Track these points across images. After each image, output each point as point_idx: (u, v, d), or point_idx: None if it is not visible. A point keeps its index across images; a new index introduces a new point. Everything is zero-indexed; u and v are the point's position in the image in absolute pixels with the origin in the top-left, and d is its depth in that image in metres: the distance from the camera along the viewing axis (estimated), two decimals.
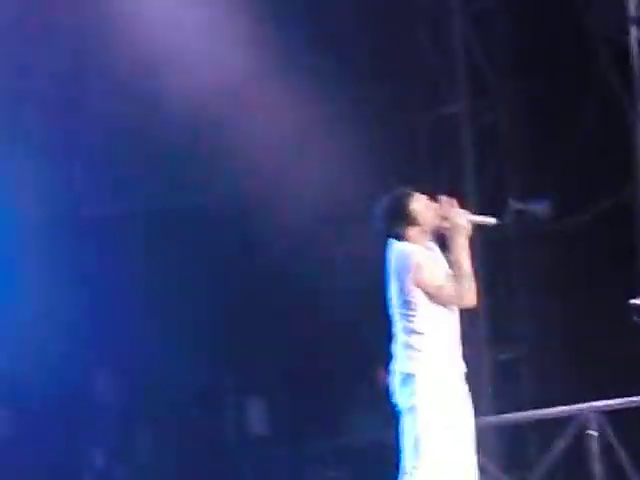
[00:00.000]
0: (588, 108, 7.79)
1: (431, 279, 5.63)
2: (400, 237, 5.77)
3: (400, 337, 5.79)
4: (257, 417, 8.37)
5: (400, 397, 5.73)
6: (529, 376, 8.49)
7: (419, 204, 5.70)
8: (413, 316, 5.73)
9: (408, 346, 5.74)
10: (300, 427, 7.97)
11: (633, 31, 7.56)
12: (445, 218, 5.66)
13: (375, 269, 5.91)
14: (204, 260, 8.16)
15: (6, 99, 7.65)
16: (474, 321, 8.47)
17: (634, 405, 7.14)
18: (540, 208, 8.39)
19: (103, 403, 8.18)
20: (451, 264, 5.85)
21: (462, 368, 5.80)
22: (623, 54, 7.62)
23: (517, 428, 8.26)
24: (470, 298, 5.59)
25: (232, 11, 7.80)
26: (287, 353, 7.84)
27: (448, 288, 5.60)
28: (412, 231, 5.70)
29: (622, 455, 7.08)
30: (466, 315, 8.14)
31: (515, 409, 8.09)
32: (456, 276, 5.58)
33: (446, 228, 5.67)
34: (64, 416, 7.84)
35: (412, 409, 5.72)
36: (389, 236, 5.80)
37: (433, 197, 5.77)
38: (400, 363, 5.76)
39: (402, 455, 5.76)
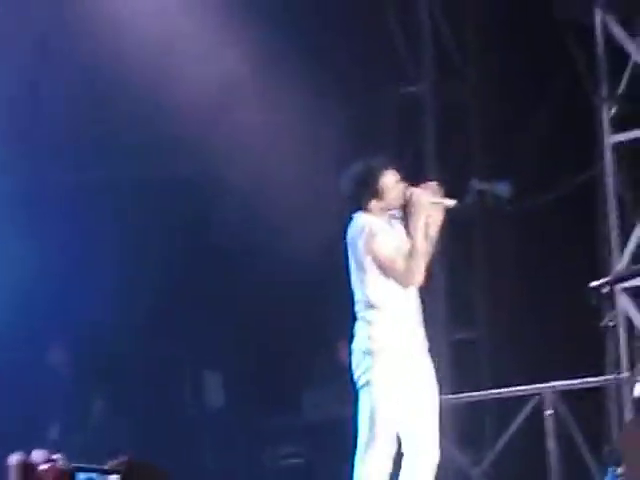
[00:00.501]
0: (553, 90, 7.81)
1: (381, 248, 5.69)
2: (362, 207, 5.84)
3: (358, 312, 5.86)
4: (214, 390, 8.36)
5: (357, 372, 5.81)
6: (487, 356, 8.51)
7: (389, 180, 5.77)
8: (367, 287, 5.80)
9: (365, 321, 5.81)
10: (257, 401, 7.98)
11: (598, 14, 7.52)
12: (408, 198, 5.74)
13: (334, 243, 5.98)
14: (164, 232, 8.12)
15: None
16: (433, 300, 8.59)
17: (589, 386, 7.25)
18: (502, 189, 8.48)
19: (60, 374, 8.16)
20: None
21: (421, 342, 5.87)
22: (589, 37, 7.56)
23: (474, 407, 8.26)
24: (417, 277, 5.61)
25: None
26: (246, 327, 7.81)
27: (397, 262, 5.66)
28: (375, 204, 5.76)
29: (576, 434, 7.17)
30: (425, 294, 8.24)
31: (473, 389, 8.10)
32: (408, 253, 5.66)
33: (407, 206, 5.74)
34: (20, 386, 7.79)
35: (367, 384, 5.80)
36: (352, 203, 5.86)
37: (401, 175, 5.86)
38: (357, 338, 5.84)
39: (359, 430, 5.85)
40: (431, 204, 5.69)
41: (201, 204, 8.34)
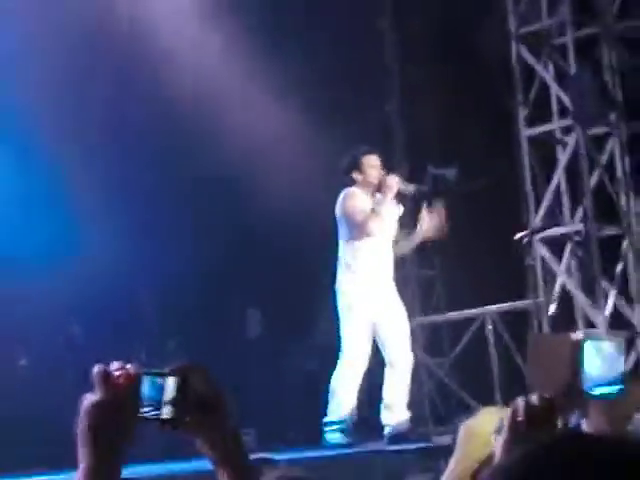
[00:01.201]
0: (481, 100, 7.78)
1: (351, 208, 5.88)
2: (349, 178, 6.00)
3: (339, 260, 6.04)
4: (253, 324, 8.33)
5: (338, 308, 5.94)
6: (444, 289, 8.58)
7: (371, 160, 5.97)
8: (346, 243, 5.98)
9: (343, 265, 6.00)
10: (284, 330, 7.80)
11: (513, 46, 7.62)
12: (382, 180, 5.94)
13: None
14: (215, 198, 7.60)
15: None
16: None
17: (518, 308, 7.43)
18: (450, 173, 8.54)
19: (145, 315, 8.00)
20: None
21: (387, 279, 5.95)
22: (507, 59, 7.61)
23: (437, 326, 8.41)
24: (372, 229, 5.79)
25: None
26: (277, 273, 7.53)
27: (360, 217, 5.84)
28: (358, 176, 5.95)
29: (510, 343, 7.25)
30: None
31: (435, 313, 8.33)
32: (372, 213, 5.85)
33: (381, 185, 5.93)
34: (114, 322, 7.52)
35: (341, 310, 5.94)
36: (344, 175, 6.01)
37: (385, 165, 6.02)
38: (337, 278, 5.97)
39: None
40: (397, 187, 5.93)
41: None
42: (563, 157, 7.47)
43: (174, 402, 1.49)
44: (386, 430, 5.86)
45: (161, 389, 1.51)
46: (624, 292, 7.23)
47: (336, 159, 6.25)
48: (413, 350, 8.17)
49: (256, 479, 1.56)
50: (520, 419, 1.69)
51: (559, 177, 7.48)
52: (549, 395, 1.77)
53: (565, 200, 7.50)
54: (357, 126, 8.16)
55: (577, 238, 7.34)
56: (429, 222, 5.89)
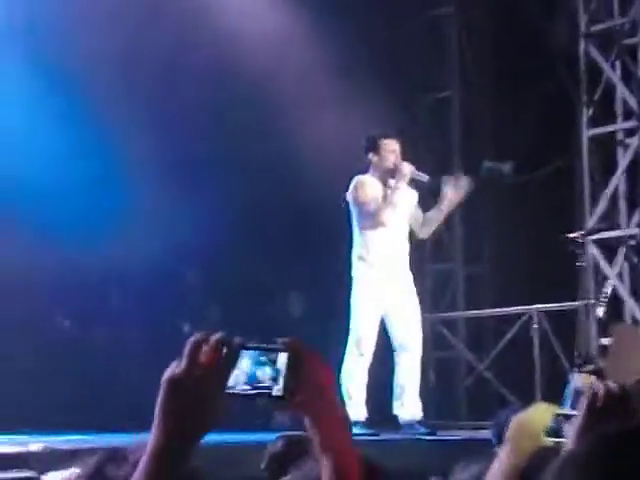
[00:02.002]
0: (546, 96, 7.67)
1: (362, 197, 5.75)
2: (366, 158, 5.88)
3: (354, 249, 5.94)
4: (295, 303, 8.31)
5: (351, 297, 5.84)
6: (491, 285, 8.45)
7: (388, 143, 5.83)
8: (355, 226, 5.88)
9: (356, 256, 5.89)
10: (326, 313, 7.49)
11: (582, 43, 7.51)
12: (397, 164, 5.81)
13: None
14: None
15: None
16: (452, 246, 8.59)
17: (566, 308, 7.28)
18: (506, 167, 8.46)
19: (191, 286, 8.06)
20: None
21: (401, 269, 5.83)
22: (573, 57, 7.52)
23: (482, 321, 8.29)
24: (384, 218, 5.67)
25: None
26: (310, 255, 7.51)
27: (372, 206, 5.71)
28: (374, 157, 5.83)
29: (555, 343, 7.13)
30: (447, 242, 8.23)
31: (480, 308, 8.17)
32: (384, 202, 5.72)
33: (394, 170, 5.79)
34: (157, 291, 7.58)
35: (353, 300, 5.85)
36: (365, 154, 5.89)
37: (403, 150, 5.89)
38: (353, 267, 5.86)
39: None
40: (411, 174, 5.79)
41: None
42: (624, 159, 7.34)
43: (286, 379, 1.38)
44: (400, 419, 5.80)
45: (265, 365, 1.40)
46: None
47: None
48: (455, 344, 8.11)
49: (361, 471, 1.45)
50: (599, 404, 1.67)
51: (618, 179, 7.34)
52: (629, 384, 1.74)
53: (622, 203, 7.36)
54: (411, 114, 8.11)
55: (632, 242, 7.21)
56: (453, 193, 5.75)
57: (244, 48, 7.07)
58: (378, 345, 5.89)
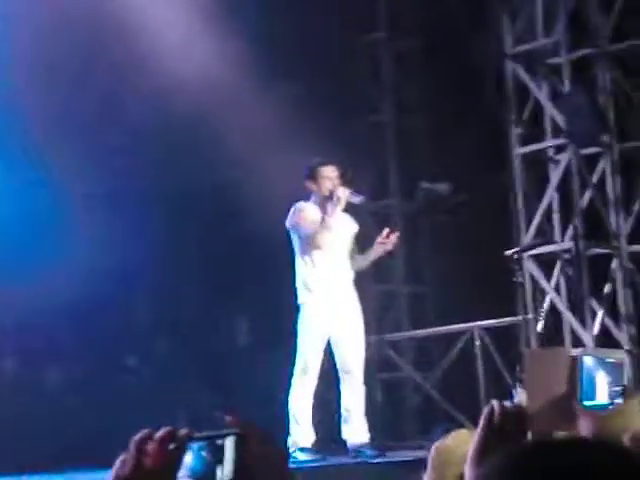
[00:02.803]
0: (476, 116, 7.76)
1: (301, 220, 5.86)
2: (306, 186, 5.98)
3: (297, 272, 6.02)
4: (242, 331, 8.37)
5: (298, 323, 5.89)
6: (433, 304, 8.54)
7: (324, 171, 5.95)
8: (296, 252, 5.97)
9: (300, 282, 5.96)
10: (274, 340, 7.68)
11: (508, 63, 7.67)
12: (333, 189, 5.90)
13: None
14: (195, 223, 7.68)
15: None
16: (394, 266, 8.65)
17: (505, 324, 7.37)
18: (442, 187, 8.55)
19: (137, 318, 8.03)
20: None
21: (345, 292, 5.91)
22: (502, 78, 7.66)
23: (425, 340, 8.35)
24: (320, 241, 5.77)
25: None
26: (267, 285, 7.58)
27: (309, 229, 5.82)
28: (312, 186, 5.94)
29: (497, 359, 7.23)
30: (388, 262, 8.29)
31: (423, 327, 8.23)
32: (320, 225, 5.82)
33: (331, 196, 5.90)
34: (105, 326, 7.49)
35: (299, 326, 5.90)
36: (305, 182, 5.98)
37: (343, 176, 5.99)
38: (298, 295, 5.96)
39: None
40: (346, 197, 5.90)
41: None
42: (555, 176, 7.49)
43: (235, 463, 1.36)
44: (348, 444, 5.84)
45: (206, 460, 1.37)
46: (612, 311, 7.23)
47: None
48: (401, 364, 8.17)
49: None
50: (495, 423, 1.68)
51: (550, 195, 7.50)
52: (544, 407, 1.78)
53: (556, 218, 7.51)
54: (346, 137, 8.17)
55: (567, 256, 7.35)
56: (385, 240, 5.87)
57: (176, 77, 7.08)
58: (326, 368, 5.92)
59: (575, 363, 2.29)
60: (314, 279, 5.82)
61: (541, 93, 7.57)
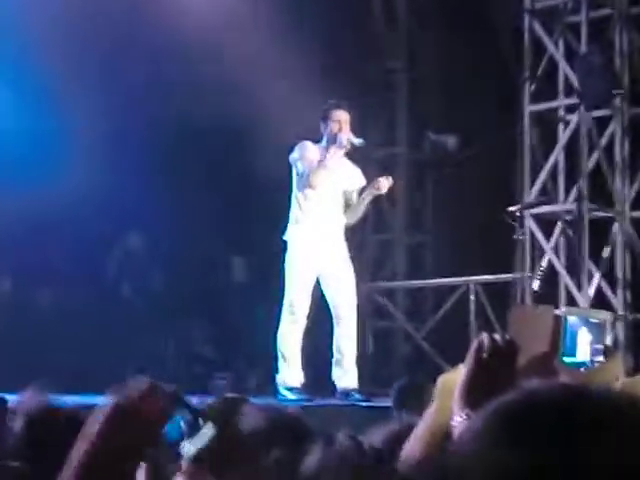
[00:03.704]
0: (491, 70, 7.71)
1: (298, 156, 5.88)
2: (320, 125, 5.98)
3: (291, 208, 6.02)
4: (239, 270, 8.38)
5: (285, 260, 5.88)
6: (431, 255, 8.55)
7: (335, 114, 5.94)
8: (293, 189, 5.98)
9: (292, 217, 5.98)
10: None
11: (526, 18, 7.56)
12: (337, 131, 5.89)
13: None
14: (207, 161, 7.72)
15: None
16: (395, 215, 8.65)
17: (502, 280, 7.36)
18: (450, 140, 8.53)
19: (137, 253, 8.03)
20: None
21: (335, 236, 5.91)
22: (517, 33, 7.57)
23: (420, 291, 8.39)
24: (315, 180, 5.78)
25: None
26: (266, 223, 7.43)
27: (306, 166, 5.83)
28: (322, 126, 5.96)
29: (491, 314, 7.20)
30: (390, 212, 8.30)
31: (421, 278, 8.26)
32: (318, 165, 5.83)
33: (335, 137, 5.88)
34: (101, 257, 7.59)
35: (287, 263, 5.87)
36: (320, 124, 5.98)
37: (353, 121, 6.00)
38: (287, 230, 5.95)
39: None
40: (347, 140, 5.89)
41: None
42: (564, 136, 7.44)
43: (201, 447, 1.39)
44: (337, 387, 5.87)
45: (182, 432, 1.40)
46: (609, 276, 7.22)
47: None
48: (394, 313, 8.20)
49: None
50: (484, 355, 1.66)
51: (557, 155, 7.45)
52: (525, 364, 1.76)
53: (561, 179, 7.47)
54: (358, 84, 8.11)
55: (568, 217, 7.32)
56: (379, 182, 5.85)
57: (191, 27, 7.03)
58: (315, 309, 5.92)
59: (559, 321, 2.31)
60: (304, 215, 5.84)
61: (557, 51, 7.48)
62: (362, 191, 6.04)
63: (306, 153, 5.85)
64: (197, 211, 7.64)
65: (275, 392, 5.87)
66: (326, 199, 5.85)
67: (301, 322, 5.77)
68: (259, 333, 6.95)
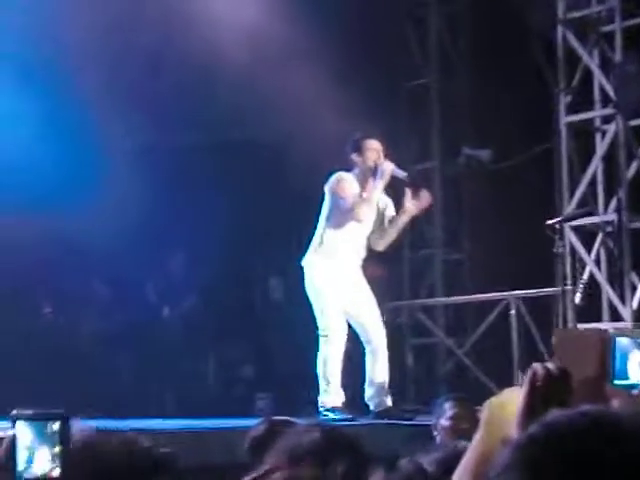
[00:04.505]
0: (524, 82, 7.67)
1: (340, 190, 5.83)
2: (349, 158, 5.95)
3: (314, 238, 5.98)
4: (276, 290, 8.33)
5: (306, 287, 5.88)
6: (470, 271, 8.49)
7: (369, 143, 5.91)
8: (326, 220, 5.94)
9: (316, 244, 5.95)
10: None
11: (559, 29, 7.54)
12: (378, 162, 5.87)
13: None
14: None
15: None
16: (432, 231, 8.60)
17: (543, 294, 7.25)
18: (484, 154, 8.48)
19: (176, 274, 8.03)
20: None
21: (356, 262, 5.90)
22: (551, 44, 7.54)
23: (460, 307, 8.31)
24: (360, 215, 5.77)
25: None
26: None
27: (349, 201, 5.79)
28: (357, 158, 5.91)
29: (533, 328, 7.13)
30: (426, 227, 8.22)
31: (459, 294, 8.20)
32: (361, 199, 5.79)
33: (376, 169, 5.85)
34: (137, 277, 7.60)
35: (314, 289, 5.84)
36: (349, 155, 5.96)
37: (386, 150, 5.97)
38: (307, 256, 5.92)
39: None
40: (390, 170, 5.86)
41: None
42: (601, 146, 7.37)
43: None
44: (371, 407, 5.86)
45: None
46: None
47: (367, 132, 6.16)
48: (434, 330, 8.13)
49: None
50: (538, 385, 1.69)
51: (596, 166, 7.37)
52: (575, 389, 1.77)
53: (600, 190, 7.39)
54: (391, 101, 8.09)
55: (609, 229, 7.23)
56: (413, 202, 5.80)
57: (224, 37, 7.06)
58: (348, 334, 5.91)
59: (606, 343, 2.26)
60: (332, 247, 5.83)
61: (592, 61, 7.42)
62: (393, 217, 6.02)
63: (347, 186, 5.82)
64: (235, 232, 7.67)
65: (317, 412, 5.85)
66: (360, 231, 5.86)
67: (338, 344, 5.76)
68: (297, 353, 6.93)
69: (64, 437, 1.48)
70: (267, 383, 7.63)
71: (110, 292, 7.68)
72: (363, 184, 5.85)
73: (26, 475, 1.46)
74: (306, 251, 6.02)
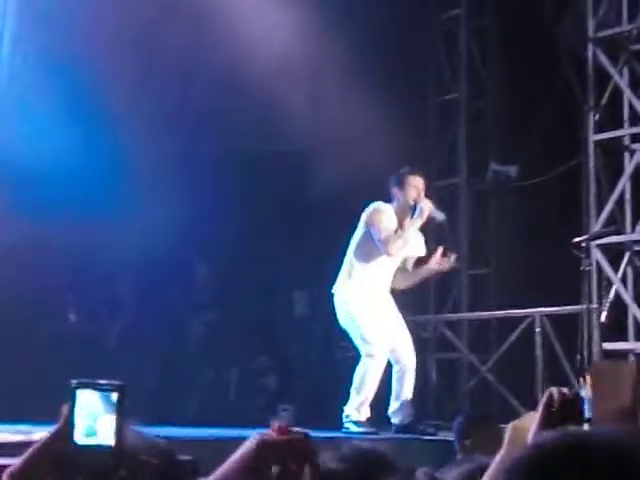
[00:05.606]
0: (552, 100, 7.67)
1: (377, 222, 5.85)
2: (390, 192, 6.00)
3: (344, 266, 5.99)
4: (300, 303, 8.34)
5: (339, 315, 5.90)
6: (495, 287, 8.48)
7: (413, 179, 5.94)
8: (357, 247, 5.96)
9: (346, 272, 5.96)
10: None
11: (590, 47, 7.54)
12: (418, 200, 5.89)
13: None
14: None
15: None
16: (458, 247, 8.57)
17: (568, 312, 7.21)
18: (512, 170, 8.47)
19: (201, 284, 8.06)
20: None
21: (386, 291, 5.96)
22: (582, 62, 7.53)
23: (484, 323, 8.30)
24: (392, 250, 5.79)
25: None
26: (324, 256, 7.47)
27: (384, 234, 5.80)
28: (397, 192, 5.94)
29: (557, 346, 7.14)
30: (453, 243, 8.24)
31: (484, 310, 8.16)
32: (396, 234, 5.81)
33: (415, 206, 5.88)
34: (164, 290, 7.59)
35: (347, 317, 5.87)
36: (390, 186, 6.01)
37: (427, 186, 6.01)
38: (338, 283, 5.94)
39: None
40: (429, 209, 5.88)
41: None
42: (630, 165, 7.33)
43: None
44: (393, 420, 5.87)
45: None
46: None
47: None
48: (458, 345, 8.11)
49: None
50: (554, 409, 1.78)
51: (624, 185, 7.33)
52: (609, 418, 1.87)
53: (628, 208, 7.35)
54: (418, 116, 8.09)
55: (636, 248, 7.19)
56: (439, 261, 5.82)
57: (253, 46, 7.10)
58: None
59: (638, 374, 2.31)
60: (362, 277, 5.86)
61: (621, 79, 7.39)
62: (419, 260, 6.07)
63: (384, 219, 5.85)
64: (260, 244, 7.70)
65: (340, 424, 5.84)
66: (390, 266, 5.90)
67: (382, 361, 5.77)
68: (319, 365, 6.91)
69: (121, 408, 1.54)
70: (290, 394, 7.64)
71: (135, 301, 7.69)
72: (400, 219, 5.88)
73: (82, 442, 1.52)
74: (336, 274, 6.05)
